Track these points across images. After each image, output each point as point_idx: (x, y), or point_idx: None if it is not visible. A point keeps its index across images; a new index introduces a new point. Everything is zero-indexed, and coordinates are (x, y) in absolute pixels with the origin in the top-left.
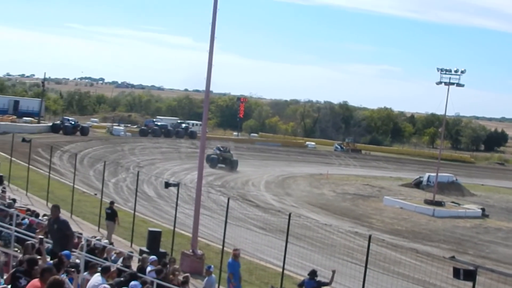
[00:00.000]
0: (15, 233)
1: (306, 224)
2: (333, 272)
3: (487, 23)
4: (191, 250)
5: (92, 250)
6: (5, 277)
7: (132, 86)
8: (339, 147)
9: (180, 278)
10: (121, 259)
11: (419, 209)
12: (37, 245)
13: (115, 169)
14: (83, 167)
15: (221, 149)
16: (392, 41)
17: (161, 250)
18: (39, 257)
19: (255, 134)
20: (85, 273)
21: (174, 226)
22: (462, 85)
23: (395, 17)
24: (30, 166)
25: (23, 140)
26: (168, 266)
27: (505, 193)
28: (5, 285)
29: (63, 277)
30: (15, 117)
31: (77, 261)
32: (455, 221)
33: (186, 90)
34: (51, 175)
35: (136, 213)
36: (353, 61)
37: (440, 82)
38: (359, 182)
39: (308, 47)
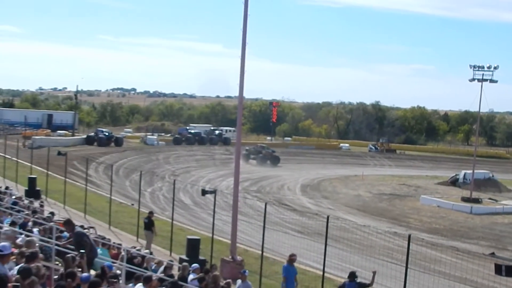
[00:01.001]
0: (56, 247)
1: (344, 226)
2: (374, 273)
3: None
4: (230, 257)
5: (132, 260)
6: None
7: (164, 95)
8: (373, 147)
9: (222, 284)
10: (161, 268)
11: (457, 207)
12: (78, 259)
13: (150, 178)
14: (119, 178)
15: (263, 146)
16: (424, 40)
17: (201, 257)
18: (79, 269)
19: (289, 138)
20: (130, 284)
21: (213, 233)
22: (496, 81)
23: (425, 16)
24: (67, 179)
25: (59, 153)
26: (210, 273)
27: None
28: None
29: None
30: (50, 131)
31: (118, 272)
32: (493, 217)
33: (218, 97)
34: (87, 187)
35: (174, 222)
36: (384, 61)
37: (473, 79)
38: (395, 182)
39: (339, 49)
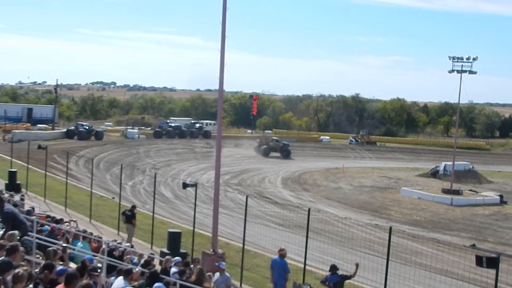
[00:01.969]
0: (36, 240)
1: (325, 219)
2: (357, 265)
3: (497, 9)
4: (211, 250)
5: (112, 253)
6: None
7: (144, 88)
8: (353, 140)
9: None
10: (142, 261)
11: (437, 199)
12: (59, 252)
13: (131, 172)
14: (100, 171)
15: (276, 140)
16: (403, 32)
17: (182, 250)
18: (61, 263)
19: (269, 131)
20: (112, 277)
21: (194, 226)
22: (475, 72)
23: (404, 8)
24: (47, 173)
25: (39, 147)
26: (192, 266)
27: None
28: None
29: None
30: (29, 124)
31: (99, 265)
32: (473, 209)
33: (198, 90)
34: (68, 180)
35: (155, 215)
36: (364, 53)
37: (453, 70)
38: (376, 174)
39: (318, 42)
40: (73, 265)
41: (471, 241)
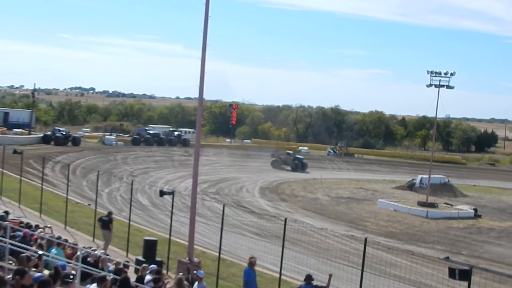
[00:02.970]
0: (9, 246)
1: (301, 229)
2: (330, 276)
3: (475, 26)
4: (187, 258)
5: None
6: None
7: (123, 95)
8: (332, 151)
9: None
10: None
11: (413, 211)
12: (33, 258)
13: (108, 179)
14: (76, 177)
15: (288, 153)
16: (382, 45)
17: (157, 258)
18: (34, 269)
19: (248, 141)
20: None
21: (170, 235)
22: (452, 87)
23: (384, 21)
24: (22, 178)
25: (14, 151)
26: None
27: (496, 193)
28: None
29: None
30: (5, 129)
31: (73, 272)
32: (448, 222)
33: (177, 98)
34: (43, 186)
35: (131, 223)
36: (344, 66)
37: (430, 85)
38: (353, 186)
39: (299, 53)
40: (47, 272)
41: (445, 254)
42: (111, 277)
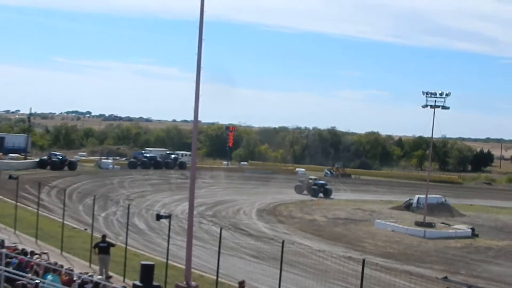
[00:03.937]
0: (5, 273)
1: (299, 251)
2: None
3: (469, 46)
4: (185, 282)
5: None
6: None
7: (120, 118)
8: (329, 172)
9: None
10: None
11: (411, 231)
12: (29, 286)
13: (104, 203)
14: (72, 202)
15: (310, 178)
16: (378, 67)
17: (155, 283)
18: None
19: (245, 163)
20: None
21: (167, 259)
22: (448, 108)
23: (379, 43)
24: (18, 204)
25: (10, 177)
26: None
27: (493, 212)
28: None
29: None
30: (1, 154)
31: None
32: (446, 241)
33: (174, 120)
34: (39, 211)
35: (128, 247)
36: (340, 87)
37: (426, 105)
38: (350, 207)
39: (295, 74)
40: None
41: (443, 274)
42: None
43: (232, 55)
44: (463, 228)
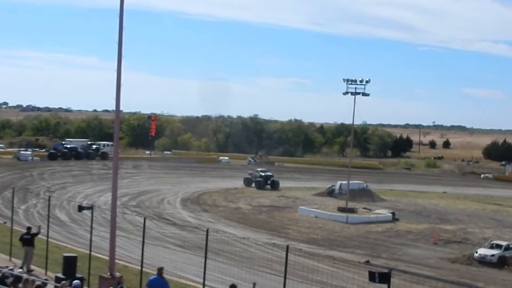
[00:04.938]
0: None
1: (224, 239)
2: (254, 284)
3: (388, 34)
4: (109, 273)
5: (4, 280)
6: None
7: (38, 109)
8: (252, 160)
9: None
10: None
11: (333, 217)
12: None
13: (24, 195)
14: None
15: (258, 170)
16: (300, 54)
17: (78, 275)
18: None
19: (168, 152)
20: None
21: (90, 250)
22: (368, 94)
23: (301, 31)
24: None
25: None
26: None
27: (413, 196)
28: None
29: None
30: None
31: None
32: (367, 226)
33: (95, 110)
34: None
35: (50, 239)
36: (261, 75)
37: (347, 92)
38: (274, 194)
39: (217, 63)
40: None
41: (365, 258)
42: None
43: (153, 43)
44: (384, 212)
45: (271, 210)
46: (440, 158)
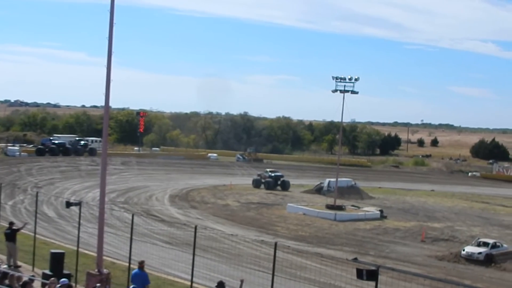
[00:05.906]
0: None
1: (212, 236)
2: (241, 281)
3: (377, 32)
4: (96, 270)
5: None
6: None
7: (26, 104)
8: (241, 157)
9: None
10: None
11: (322, 214)
12: None
13: (11, 191)
14: None
15: (265, 171)
16: (289, 51)
17: (65, 271)
18: None
19: (157, 148)
20: None
21: (78, 246)
22: (357, 92)
23: (291, 28)
24: None
25: None
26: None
27: (401, 194)
28: None
29: None
30: None
31: None
32: (355, 224)
33: (83, 106)
34: None
35: (37, 236)
36: (251, 72)
37: (336, 90)
38: (263, 191)
39: (207, 59)
40: None
41: (353, 255)
42: None
43: (143, 40)
44: (372, 210)
45: (259, 207)
46: (428, 156)
